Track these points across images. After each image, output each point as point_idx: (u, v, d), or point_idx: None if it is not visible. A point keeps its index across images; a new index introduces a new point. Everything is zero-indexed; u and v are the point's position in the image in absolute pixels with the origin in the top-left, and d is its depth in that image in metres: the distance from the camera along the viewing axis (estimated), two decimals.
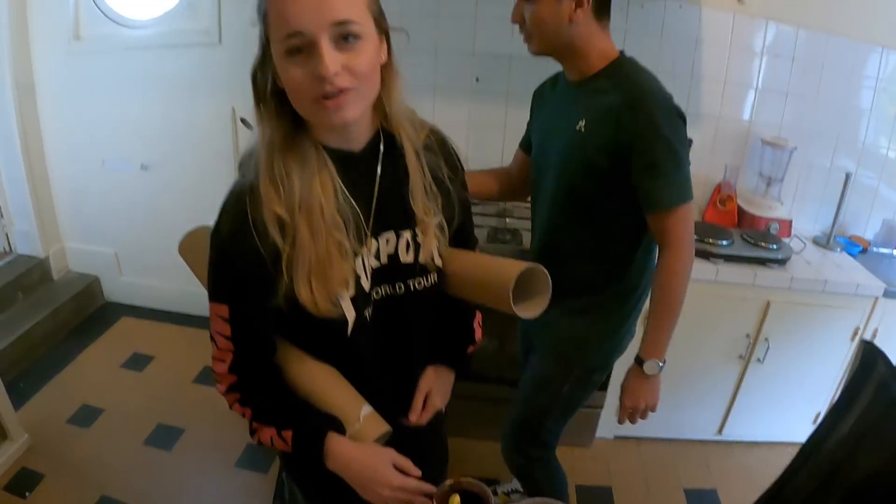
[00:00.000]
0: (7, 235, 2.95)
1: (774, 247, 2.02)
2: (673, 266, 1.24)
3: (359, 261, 0.87)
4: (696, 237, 1.96)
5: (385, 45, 0.83)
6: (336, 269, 0.83)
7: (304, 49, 0.73)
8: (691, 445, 2.26)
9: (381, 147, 0.88)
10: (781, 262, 1.99)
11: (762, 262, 1.97)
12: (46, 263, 2.95)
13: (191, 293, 2.78)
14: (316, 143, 0.83)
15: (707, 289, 1.94)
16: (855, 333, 2.04)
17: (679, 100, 2.30)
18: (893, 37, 2.15)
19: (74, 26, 2.66)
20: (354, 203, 0.85)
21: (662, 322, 1.26)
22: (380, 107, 0.87)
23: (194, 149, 2.61)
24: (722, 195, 2.23)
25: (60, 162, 2.85)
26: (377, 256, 0.90)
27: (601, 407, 2.01)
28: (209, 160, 2.58)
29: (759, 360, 2.06)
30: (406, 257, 0.92)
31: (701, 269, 1.91)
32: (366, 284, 0.89)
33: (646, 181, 1.18)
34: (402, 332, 0.97)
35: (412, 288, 0.93)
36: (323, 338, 0.89)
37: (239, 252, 0.80)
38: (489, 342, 1.94)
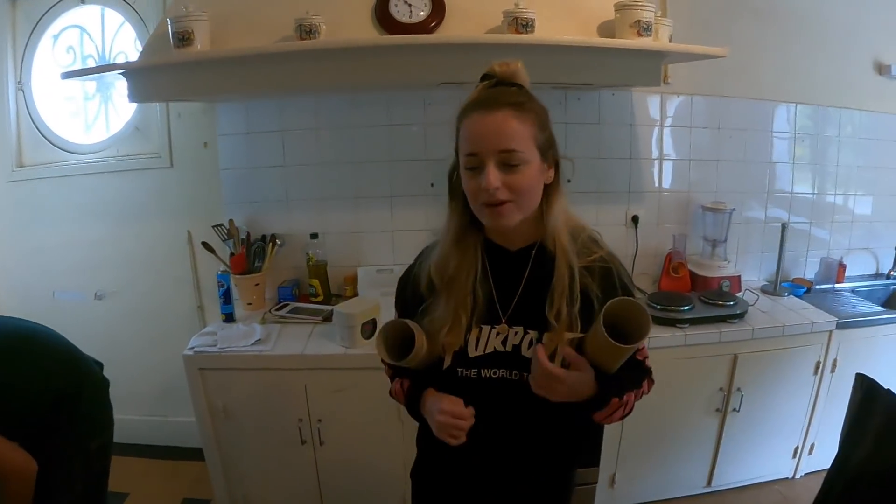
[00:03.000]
0: None
1: (732, 303, 2.14)
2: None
3: (473, 333, 1.05)
4: (660, 306, 2.10)
5: (552, 171, 1.02)
6: (447, 332, 1.04)
7: (477, 164, 0.95)
8: (684, 502, 2.29)
9: (533, 253, 1.05)
10: (741, 316, 2.10)
11: (724, 319, 2.08)
12: None
13: (158, 424, 2.64)
14: (479, 242, 1.07)
15: (677, 352, 2.02)
16: (817, 367, 2.16)
17: (621, 179, 2.42)
18: (799, 92, 2.41)
19: (17, 153, 2.59)
20: (495, 291, 1.05)
21: None
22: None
23: (151, 275, 2.52)
24: (674, 263, 2.34)
25: (7, 295, 2.69)
26: (504, 343, 1.04)
27: (596, 483, 2.03)
28: (168, 286, 2.50)
29: (735, 409, 2.14)
30: (526, 353, 1.03)
31: (669, 336, 2.01)
32: (471, 351, 1.05)
33: None
34: (516, 416, 1.07)
35: (525, 378, 1.02)
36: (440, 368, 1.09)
37: (403, 288, 1.17)
38: None
